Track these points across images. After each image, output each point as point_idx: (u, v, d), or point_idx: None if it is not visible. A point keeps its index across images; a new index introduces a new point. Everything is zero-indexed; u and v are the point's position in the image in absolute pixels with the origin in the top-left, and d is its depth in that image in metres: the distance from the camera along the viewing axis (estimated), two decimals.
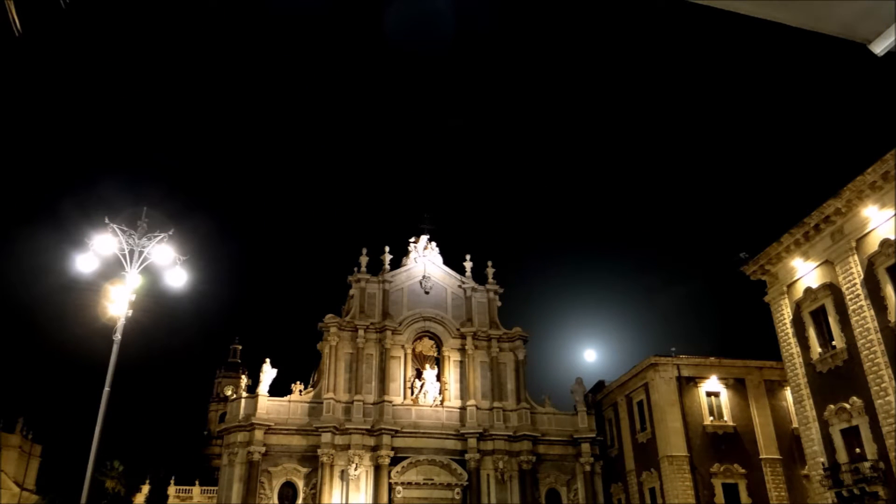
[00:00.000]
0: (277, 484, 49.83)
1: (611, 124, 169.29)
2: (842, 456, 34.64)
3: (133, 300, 17.86)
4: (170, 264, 18.36)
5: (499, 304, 60.00)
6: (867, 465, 32.56)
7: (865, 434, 33.09)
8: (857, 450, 33.63)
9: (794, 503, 44.93)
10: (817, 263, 37.08)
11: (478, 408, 54.35)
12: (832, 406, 35.30)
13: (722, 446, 46.49)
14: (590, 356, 78.19)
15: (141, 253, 18.01)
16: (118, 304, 17.84)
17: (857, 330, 33.57)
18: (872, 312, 32.78)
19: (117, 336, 17.37)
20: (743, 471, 45.76)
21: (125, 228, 17.92)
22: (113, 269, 17.93)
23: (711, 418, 47.49)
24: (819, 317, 37.24)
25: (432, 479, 51.85)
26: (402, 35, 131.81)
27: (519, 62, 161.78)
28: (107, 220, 17.74)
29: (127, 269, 17.80)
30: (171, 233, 18.40)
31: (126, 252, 17.89)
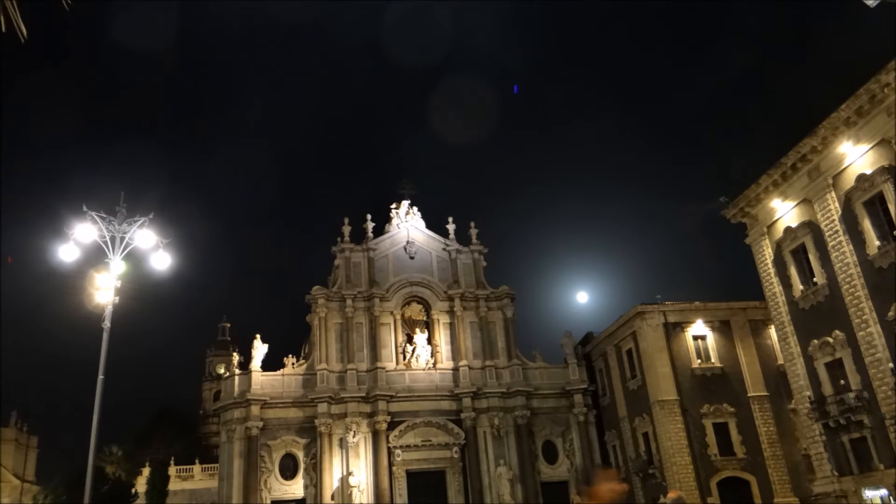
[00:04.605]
0: (278, 457, 50.35)
1: (593, 62, 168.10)
2: (827, 388, 35.56)
3: (118, 286, 17.70)
4: (153, 248, 18.17)
5: (484, 264, 60.19)
6: (852, 395, 33.46)
7: (849, 366, 33.92)
8: (842, 381, 34.50)
9: (782, 436, 46.24)
10: (796, 203, 37.48)
11: (470, 367, 54.93)
12: (816, 341, 36.08)
13: (711, 387, 47.46)
14: (582, 298, 79.49)
15: (122, 239, 17.77)
16: (104, 291, 17.67)
17: (837, 265, 34.15)
18: (851, 247, 33.32)
19: (106, 324, 17.26)
20: (732, 409, 46.84)
21: (104, 215, 17.64)
22: (97, 256, 17.72)
23: (699, 361, 48.37)
24: (799, 255, 37.79)
25: (430, 441, 52.61)
26: None
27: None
28: (84, 208, 17.45)
29: (110, 256, 17.58)
30: (151, 216, 18.16)
31: (107, 239, 17.65)
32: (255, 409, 50.40)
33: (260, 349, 52.21)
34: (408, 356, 55.11)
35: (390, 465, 51.02)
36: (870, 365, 32.26)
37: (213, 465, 71.49)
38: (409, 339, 55.97)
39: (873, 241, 32.05)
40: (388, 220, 60.68)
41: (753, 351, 48.56)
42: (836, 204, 34.30)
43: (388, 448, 51.42)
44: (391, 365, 54.29)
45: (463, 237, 61.04)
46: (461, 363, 54.95)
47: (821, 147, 34.69)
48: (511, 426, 53.93)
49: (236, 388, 51.58)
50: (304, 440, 51.07)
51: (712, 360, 48.42)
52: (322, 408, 51.15)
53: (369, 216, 59.73)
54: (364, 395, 52.21)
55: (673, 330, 48.87)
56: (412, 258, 58.82)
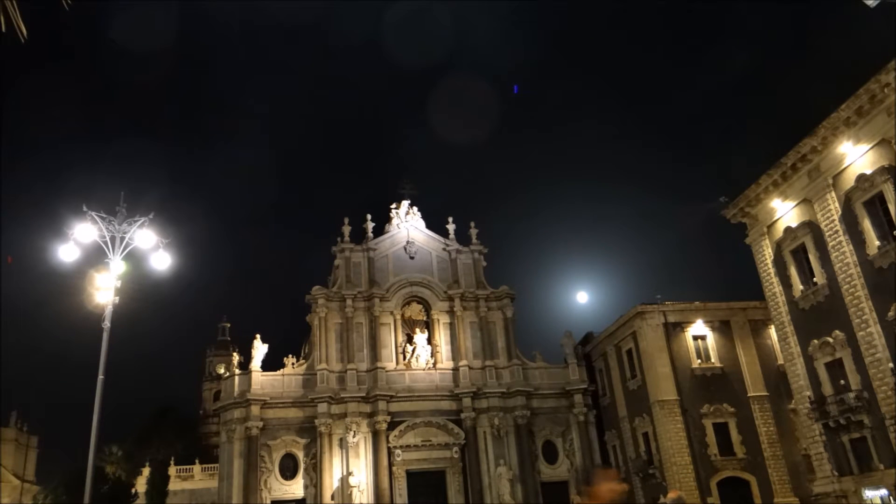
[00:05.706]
0: (278, 456, 50.35)
1: (593, 62, 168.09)
2: (827, 388, 35.54)
3: (118, 286, 17.68)
4: (153, 248, 18.15)
5: (484, 264, 60.17)
6: (852, 395, 33.44)
7: (849, 366, 33.90)
8: (842, 381, 34.48)
9: (782, 436, 46.23)
10: (796, 202, 37.47)
11: (470, 367, 54.91)
12: (816, 341, 36.06)
13: (711, 387, 47.44)
14: (582, 298, 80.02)
15: (122, 239, 17.75)
16: (104, 291, 17.66)
17: (837, 265, 34.13)
18: (851, 247, 33.30)
19: (106, 324, 17.24)
20: (732, 409, 46.82)
21: (104, 215, 17.62)
22: (97, 256, 17.71)
23: (699, 361, 48.35)
24: (799, 255, 37.77)
25: (430, 441, 52.59)
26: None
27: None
28: (84, 208, 17.43)
29: (110, 255, 17.57)
30: (151, 216, 18.14)
31: (107, 239, 17.63)
32: (255, 409, 50.40)
33: (260, 349, 52.21)
34: (408, 356, 55.09)
35: (390, 465, 51.00)
36: (870, 365, 32.24)
37: (213, 465, 71.40)
38: (409, 339, 55.94)
39: (873, 241, 32.04)
40: (388, 220, 60.68)
41: (753, 351, 48.55)
42: (836, 204, 34.29)
43: (388, 448, 51.40)
44: (391, 365, 54.27)
45: (463, 237, 61.10)
46: (461, 363, 54.94)
47: (821, 147, 34.68)
48: (511, 426, 53.91)
49: (236, 388, 51.57)
50: (304, 440, 51.06)
51: (712, 360, 48.41)
52: (322, 408, 51.14)
53: (369, 216, 59.75)
54: (364, 395, 52.19)
55: (673, 330, 48.86)
56: (412, 258, 58.82)
